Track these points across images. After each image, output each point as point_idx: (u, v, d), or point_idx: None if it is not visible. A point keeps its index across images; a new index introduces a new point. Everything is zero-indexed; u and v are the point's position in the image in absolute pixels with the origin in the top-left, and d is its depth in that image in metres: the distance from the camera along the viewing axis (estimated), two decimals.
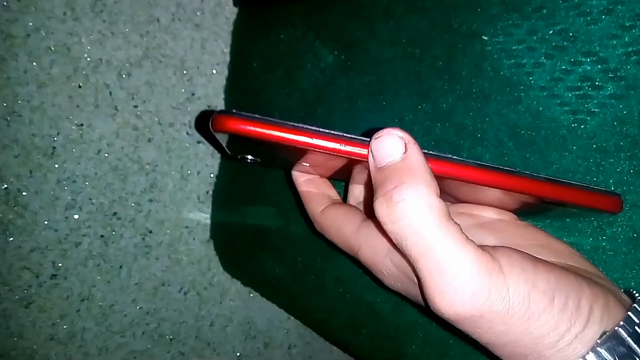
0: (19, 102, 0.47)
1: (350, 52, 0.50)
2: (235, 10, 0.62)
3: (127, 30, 0.53)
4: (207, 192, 0.64)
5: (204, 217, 0.64)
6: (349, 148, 0.25)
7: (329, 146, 0.24)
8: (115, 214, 0.55)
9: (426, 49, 0.44)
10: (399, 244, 0.23)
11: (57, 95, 0.50)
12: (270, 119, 0.24)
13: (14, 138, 0.48)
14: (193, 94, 0.60)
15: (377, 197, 0.24)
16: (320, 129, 0.25)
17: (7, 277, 0.49)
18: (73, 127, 0.51)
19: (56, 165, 0.50)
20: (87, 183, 0.53)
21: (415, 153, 0.24)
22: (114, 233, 0.56)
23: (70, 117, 0.51)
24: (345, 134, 0.25)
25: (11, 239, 0.49)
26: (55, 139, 0.50)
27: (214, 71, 0.62)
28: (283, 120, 0.25)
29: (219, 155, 0.64)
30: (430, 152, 0.26)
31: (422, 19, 0.45)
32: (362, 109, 0.49)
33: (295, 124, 0.24)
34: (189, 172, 0.62)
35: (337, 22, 0.51)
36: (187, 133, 0.61)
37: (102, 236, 0.55)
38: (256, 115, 0.24)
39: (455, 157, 0.26)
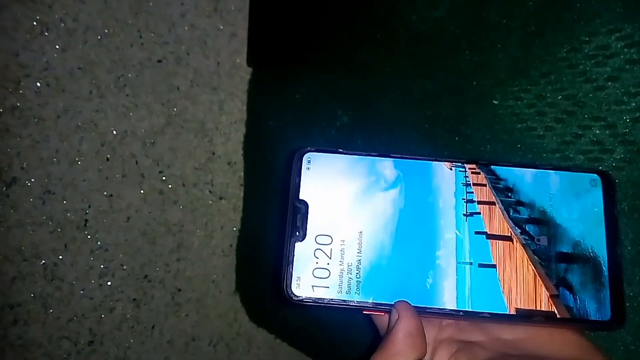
0: (52, 181, 0.50)
1: (364, 111, 0.52)
2: (250, 70, 0.65)
3: (149, 101, 0.56)
4: (231, 246, 0.66)
5: (229, 270, 0.66)
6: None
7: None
8: (145, 276, 0.57)
9: (438, 110, 0.46)
10: None
11: (87, 170, 0.52)
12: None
13: (49, 215, 0.50)
14: (213, 153, 0.63)
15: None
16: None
17: (48, 348, 0.51)
18: (103, 199, 0.53)
19: (89, 237, 0.53)
20: (118, 250, 0.55)
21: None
22: (145, 295, 0.57)
23: (100, 189, 0.53)
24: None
25: (50, 310, 0.51)
26: (87, 211, 0.52)
27: (232, 129, 0.64)
28: None
29: (240, 209, 0.66)
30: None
31: (431, 82, 0.46)
32: None
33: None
34: (213, 228, 0.64)
35: (350, 83, 0.53)
36: (210, 191, 0.63)
37: (134, 299, 0.57)
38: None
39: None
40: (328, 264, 0.31)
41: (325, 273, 0.31)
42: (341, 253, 0.31)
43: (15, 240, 0.48)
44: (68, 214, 0.51)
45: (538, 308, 0.30)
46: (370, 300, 0.30)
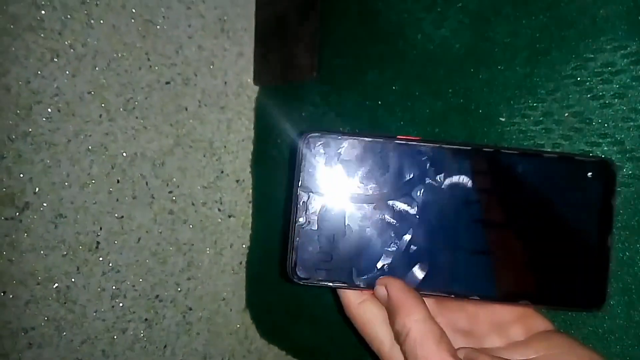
0: (64, 204, 0.51)
1: (372, 130, 0.52)
2: (257, 88, 0.65)
3: (158, 122, 0.57)
4: (241, 263, 0.67)
5: (240, 287, 0.66)
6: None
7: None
8: (157, 296, 0.58)
9: (445, 128, 0.46)
10: None
11: (98, 193, 0.53)
12: None
13: (61, 239, 0.51)
14: (222, 172, 0.63)
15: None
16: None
17: None
18: (114, 220, 0.54)
19: (100, 259, 0.53)
20: (129, 271, 0.55)
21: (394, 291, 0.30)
22: (157, 315, 0.58)
23: (111, 211, 0.54)
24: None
25: (64, 333, 0.51)
26: (99, 234, 0.53)
27: (240, 147, 0.65)
28: None
29: (249, 226, 0.67)
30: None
31: (438, 100, 0.47)
32: None
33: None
34: (223, 246, 0.64)
35: (356, 102, 0.54)
36: (219, 209, 0.63)
37: (146, 319, 0.57)
38: None
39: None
40: (331, 248, 0.33)
41: (327, 257, 0.33)
42: (343, 238, 0.33)
43: (29, 265, 0.49)
44: (80, 237, 0.52)
45: (526, 291, 0.32)
46: (369, 283, 0.33)
